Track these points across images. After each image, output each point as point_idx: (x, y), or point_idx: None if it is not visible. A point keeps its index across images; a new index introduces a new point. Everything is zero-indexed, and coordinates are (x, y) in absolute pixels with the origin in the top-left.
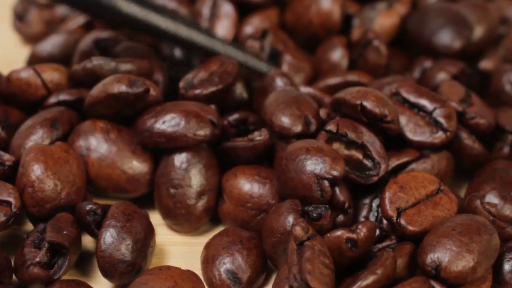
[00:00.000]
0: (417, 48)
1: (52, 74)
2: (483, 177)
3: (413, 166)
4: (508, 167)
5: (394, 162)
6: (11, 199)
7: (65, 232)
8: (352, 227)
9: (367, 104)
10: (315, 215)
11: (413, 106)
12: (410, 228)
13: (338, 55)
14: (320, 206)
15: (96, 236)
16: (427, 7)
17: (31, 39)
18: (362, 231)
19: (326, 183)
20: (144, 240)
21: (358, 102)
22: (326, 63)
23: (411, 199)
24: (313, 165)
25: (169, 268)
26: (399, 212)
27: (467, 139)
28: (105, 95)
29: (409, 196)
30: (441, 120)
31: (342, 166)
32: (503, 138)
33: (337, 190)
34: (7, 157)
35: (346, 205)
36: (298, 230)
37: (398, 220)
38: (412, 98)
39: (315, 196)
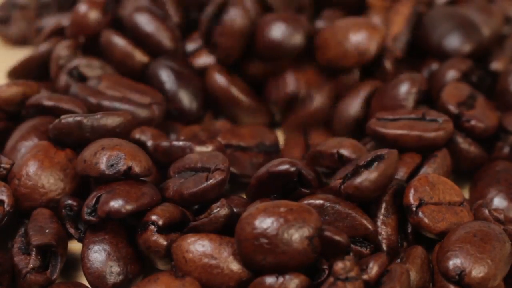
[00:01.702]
0: (427, 52)
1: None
2: (487, 180)
3: (425, 168)
4: (510, 168)
5: (407, 171)
6: (3, 198)
7: (47, 230)
8: (362, 266)
9: (344, 152)
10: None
11: (403, 119)
12: (426, 221)
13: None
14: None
15: (67, 230)
16: (435, 12)
17: (15, 42)
18: (373, 269)
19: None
20: (127, 246)
21: (334, 150)
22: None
23: (435, 197)
24: (300, 229)
25: (158, 277)
26: (421, 203)
27: (463, 143)
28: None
29: (434, 194)
30: (435, 117)
31: (317, 217)
32: (505, 139)
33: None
34: (5, 160)
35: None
36: (339, 266)
37: (416, 209)
38: (397, 116)
39: (312, 257)
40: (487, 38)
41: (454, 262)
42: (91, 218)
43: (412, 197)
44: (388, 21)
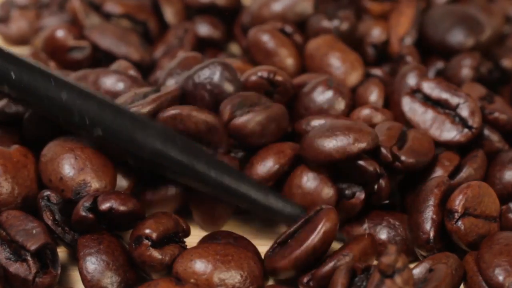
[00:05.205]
0: (430, 48)
1: None
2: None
3: (467, 167)
4: None
5: (449, 168)
6: None
7: (34, 231)
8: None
9: None
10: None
11: (435, 104)
12: (463, 232)
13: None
14: (355, 185)
15: (42, 219)
16: (436, 10)
17: (15, 41)
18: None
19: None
20: (123, 253)
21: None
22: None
23: (478, 210)
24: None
25: (158, 283)
26: (465, 213)
27: (498, 142)
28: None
29: (478, 206)
30: (466, 116)
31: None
32: None
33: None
34: None
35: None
36: (384, 262)
37: (458, 218)
38: (434, 93)
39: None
40: (488, 37)
41: (507, 279)
42: (89, 214)
43: (460, 204)
44: (393, 23)
